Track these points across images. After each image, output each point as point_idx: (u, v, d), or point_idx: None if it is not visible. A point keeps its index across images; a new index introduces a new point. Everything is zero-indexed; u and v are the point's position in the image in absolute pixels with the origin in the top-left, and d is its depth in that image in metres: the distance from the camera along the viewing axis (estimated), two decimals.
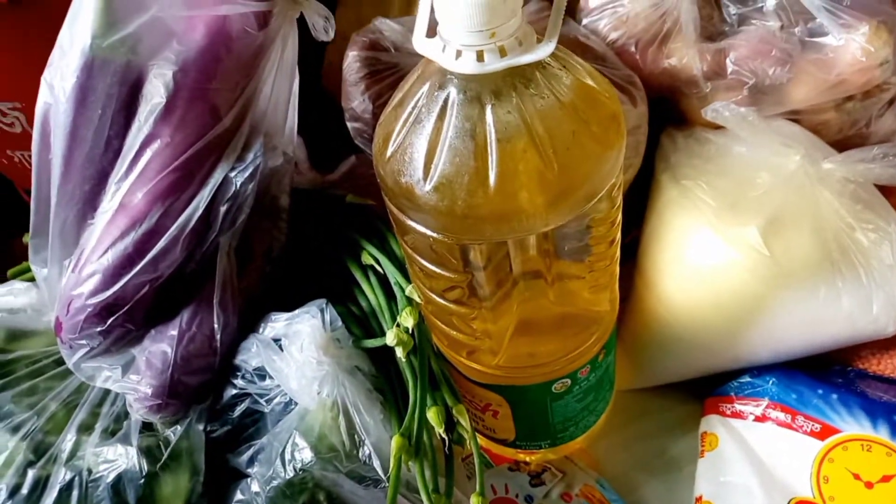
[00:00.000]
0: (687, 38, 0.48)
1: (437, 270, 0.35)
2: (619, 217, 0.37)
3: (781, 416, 0.44)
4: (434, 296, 0.37)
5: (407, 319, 0.38)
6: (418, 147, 0.31)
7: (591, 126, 0.31)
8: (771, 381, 0.46)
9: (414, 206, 0.32)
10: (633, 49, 0.51)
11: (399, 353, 0.37)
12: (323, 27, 0.43)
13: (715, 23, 0.50)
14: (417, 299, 0.39)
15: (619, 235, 0.39)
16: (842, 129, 0.49)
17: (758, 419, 0.45)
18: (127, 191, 0.38)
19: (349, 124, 0.49)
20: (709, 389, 0.49)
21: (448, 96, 0.30)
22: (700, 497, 0.44)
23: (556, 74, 0.30)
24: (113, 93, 0.37)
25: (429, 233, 0.32)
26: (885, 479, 0.40)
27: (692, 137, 0.49)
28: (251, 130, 0.41)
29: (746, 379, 0.47)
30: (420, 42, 0.30)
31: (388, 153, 0.32)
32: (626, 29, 0.51)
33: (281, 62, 0.42)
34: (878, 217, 0.42)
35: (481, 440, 0.48)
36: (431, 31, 0.30)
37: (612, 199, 0.34)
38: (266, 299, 0.45)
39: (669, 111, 0.52)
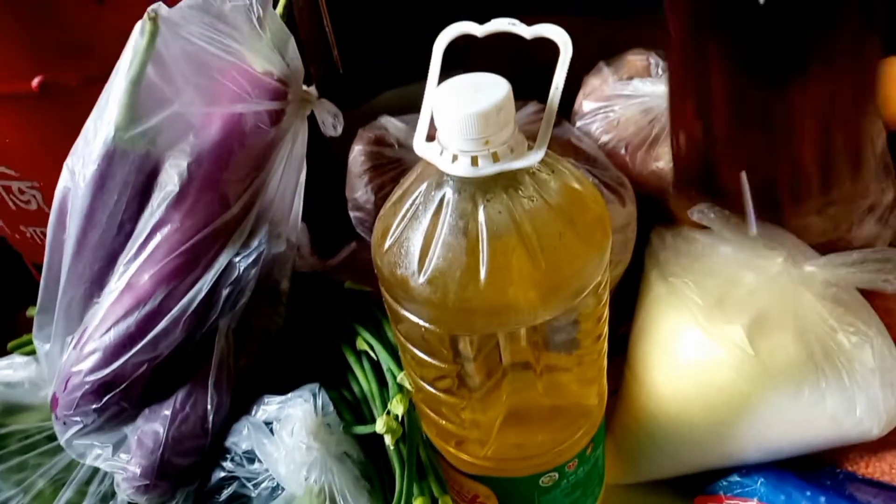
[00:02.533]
0: None
1: (428, 360, 0.36)
2: (606, 312, 0.39)
3: None
4: (425, 384, 0.38)
5: (397, 407, 0.38)
6: (414, 241, 0.33)
7: (577, 227, 0.33)
8: (760, 482, 0.46)
9: (408, 296, 0.33)
10: (623, 151, 0.54)
11: (387, 440, 0.38)
12: (332, 124, 0.46)
13: None
14: (409, 387, 0.40)
15: (605, 330, 0.40)
16: (824, 232, 0.51)
17: None
18: (135, 272, 0.40)
19: (352, 213, 0.51)
20: (699, 487, 0.49)
21: (444, 195, 0.32)
22: None
23: (544, 179, 0.33)
24: (130, 180, 0.39)
25: (421, 323, 0.34)
26: None
27: (680, 236, 0.51)
28: (258, 218, 0.43)
29: (735, 478, 0.47)
30: (420, 145, 0.33)
31: (386, 246, 0.34)
32: (617, 132, 0.54)
33: (290, 156, 0.44)
34: (860, 320, 0.43)
35: None
36: (431, 136, 0.33)
37: (598, 295, 0.36)
38: (261, 380, 0.46)
39: (658, 210, 0.55)
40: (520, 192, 0.32)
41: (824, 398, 0.42)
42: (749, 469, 0.47)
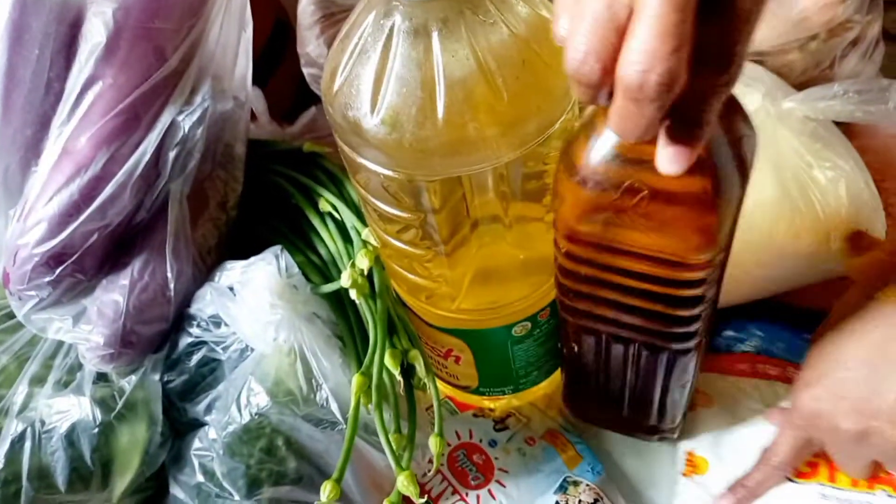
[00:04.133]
0: None
1: (391, 211, 0.34)
2: None
3: (772, 369, 0.44)
4: (390, 238, 0.36)
5: (361, 261, 0.37)
6: (365, 79, 0.30)
7: (542, 55, 0.30)
8: (755, 334, 0.45)
9: (363, 141, 0.31)
10: None
11: (353, 294, 0.37)
12: None
13: None
14: (374, 242, 0.38)
15: None
16: (805, 69, 0.49)
17: (748, 374, 0.44)
18: (70, 135, 0.37)
19: (305, 70, 0.47)
20: None
21: (394, 24, 0.29)
22: (692, 451, 0.44)
23: (507, 2, 0.30)
24: (50, 32, 0.35)
25: (379, 170, 0.32)
26: None
27: None
28: (199, 73, 0.39)
29: (730, 333, 0.47)
30: None
31: (336, 87, 0.31)
32: None
33: (229, 7, 0.40)
34: (837, 156, 0.42)
35: (446, 388, 0.48)
36: None
37: (564, 130, 0.34)
38: (223, 249, 0.44)
39: None
40: (479, 16, 0.29)
41: (799, 235, 0.41)
42: (740, 323, 0.47)
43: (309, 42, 0.46)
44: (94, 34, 0.36)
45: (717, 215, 0.28)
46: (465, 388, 0.47)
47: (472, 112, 0.29)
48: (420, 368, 0.37)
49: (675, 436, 0.45)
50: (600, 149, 0.28)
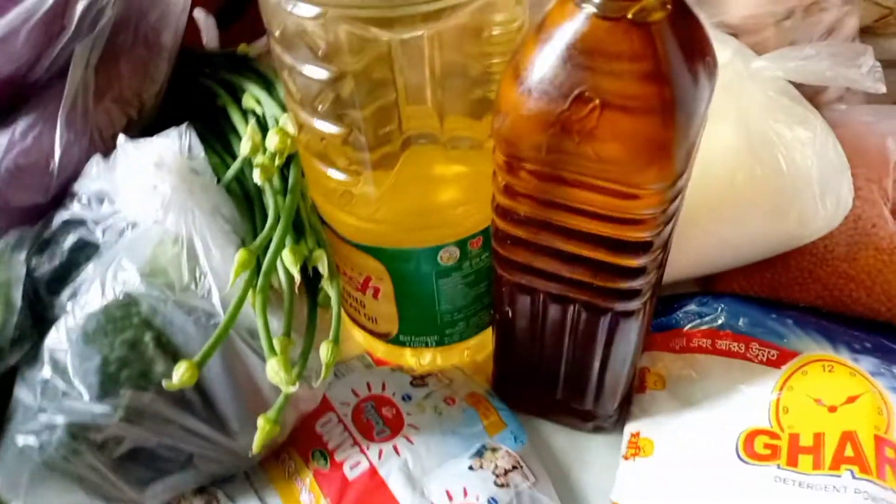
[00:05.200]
0: None
1: (308, 69, 0.30)
2: None
3: (734, 345, 0.39)
4: (306, 115, 0.32)
5: (271, 140, 0.33)
6: None
7: None
8: (720, 308, 0.41)
9: None
10: None
11: (256, 176, 0.32)
12: None
13: None
14: (291, 130, 0.34)
15: None
16: (779, 47, 0.47)
17: (708, 351, 0.40)
18: None
19: None
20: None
21: None
22: (637, 433, 0.39)
23: None
24: None
25: (296, 9, 0.28)
26: (850, 399, 0.36)
27: None
28: None
29: (693, 307, 0.43)
30: None
31: None
32: None
33: None
34: (805, 113, 0.39)
35: (364, 338, 0.43)
36: None
37: (511, 17, 0.30)
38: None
39: None
40: None
41: (759, 188, 0.38)
42: (705, 297, 0.43)
43: None
44: None
45: (673, 130, 0.25)
46: (384, 336, 0.42)
47: None
48: (324, 269, 0.32)
49: (611, 425, 0.40)
50: (550, 52, 0.24)
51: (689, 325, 0.41)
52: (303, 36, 0.29)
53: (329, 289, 0.32)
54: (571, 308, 0.32)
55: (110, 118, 0.38)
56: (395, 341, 0.41)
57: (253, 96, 0.38)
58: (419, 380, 0.41)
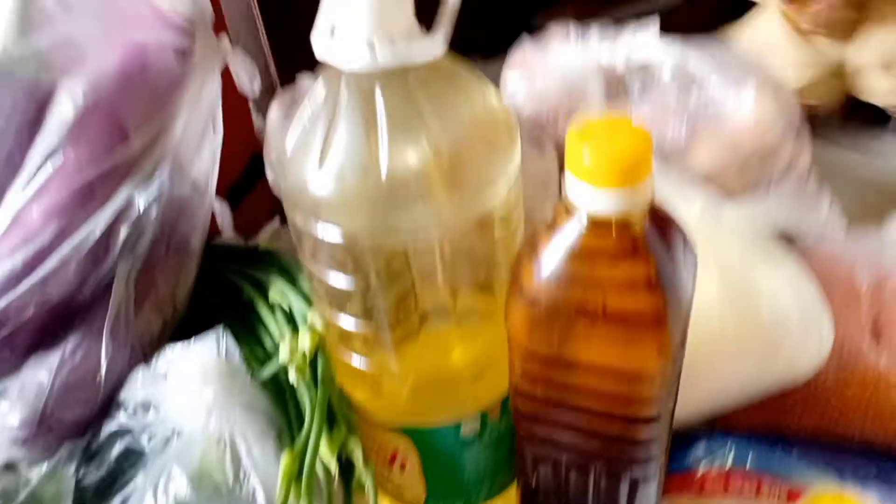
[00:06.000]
0: (594, 105, 0.52)
1: (336, 283, 0.34)
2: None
3: (746, 486, 0.41)
4: (335, 314, 0.35)
5: (304, 339, 0.36)
6: (314, 143, 0.31)
7: (482, 127, 0.32)
8: (729, 446, 0.43)
9: (310, 203, 0.31)
10: (545, 118, 0.54)
11: (291, 375, 0.35)
12: (247, 81, 0.45)
13: (619, 96, 0.54)
14: (319, 327, 0.37)
15: None
16: (742, 193, 0.52)
17: (722, 494, 0.42)
18: (23, 206, 0.37)
19: (269, 174, 0.49)
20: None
21: (342, 93, 0.31)
22: None
23: (449, 75, 0.32)
24: (19, 106, 0.37)
25: (326, 234, 0.32)
26: None
27: None
28: (160, 159, 0.41)
29: (702, 448, 0.44)
30: (318, 43, 0.32)
31: (287, 156, 0.32)
32: (541, 103, 0.55)
33: (198, 103, 0.43)
34: (780, 261, 0.43)
35: (389, 501, 0.44)
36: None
37: (508, 212, 0.35)
38: (167, 341, 0.42)
39: None
40: (422, 85, 0.31)
41: (746, 340, 0.41)
42: (711, 439, 0.45)
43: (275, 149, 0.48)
44: (62, 110, 0.37)
45: (668, 330, 0.28)
46: None
47: (414, 169, 0.30)
48: (358, 460, 0.35)
49: None
50: (548, 269, 0.28)
51: (701, 467, 0.43)
52: (331, 254, 0.33)
53: (365, 477, 0.35)
54: (592, 474, 0.34)
55: (148, 324, 0.41)
56: None
57: (279, 291, 0.42)
58: None
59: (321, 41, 0.32)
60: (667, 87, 0.50)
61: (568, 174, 0.27)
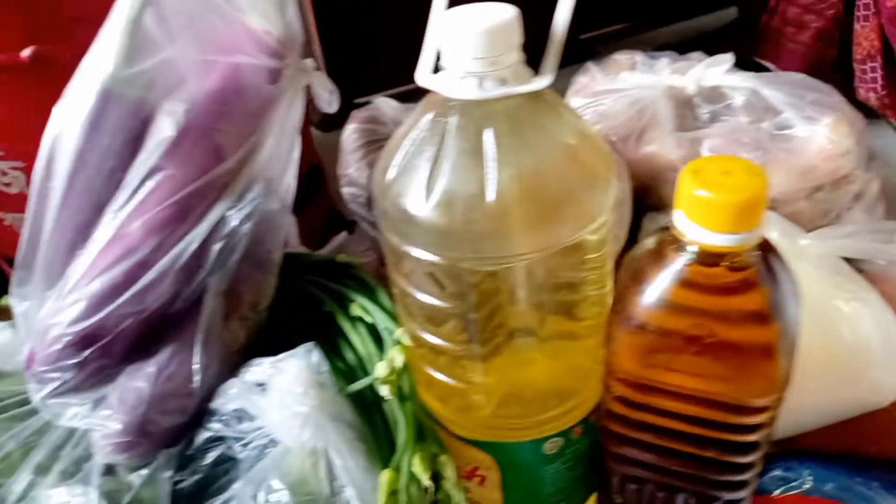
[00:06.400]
0: (663, 129, 0.52)
1: (432, 301, 0.35)
2: (610, 276, 0.38)
3: None
4: (426, 335, 0.36)
5: (397, 357, 0.37)
6: (420, 169, 0.32)
7: (583, 156, 0.32)
8: (806, 473, 0.43)
9: (414, 227, 0.32)
10: (613, 139, 0.54)
11: (385, 391, 0.36)
12: (328, 100, 0.46)
13: (688, 121, 0.54)
14: (407, 342, 0.38)
15: (609, 296, 0.39)
16: (813, 219, 0.52)
17: None
18: (124, 221, 0.38)
19: (344, 190, 0.50)
20: None
21: (449, 122, 0.32)
22: None
23: (552, 108, 0.33)
24: (124, 124, 0.38)
25: (427, 256, 0.33)
26: None
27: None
28: (252, 177, 0.42)
29: (779, 473, 0.44)
30: (424, 76, 0.33)
31: (390, 178, 0.33)
32: (607, 123, 0.55)
33: (286, 122, 0.44)
34: (858, 287, 0.43)
35: None
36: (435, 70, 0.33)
37: (601, 240, 0.35)
38: (250, 352, 0.44)
39: (649, 199, 0.55)
40: (528, 117, 0.32)
41: (830, 364, 0.41)
42: (792, 462, 0.45)
43: (350, 165, 0.49)
44: (163, 129, 0.38)
45: (778, 361, 0.28)
46: None
47: (519, 199, 0.31)
48: (451, 474, 0.36)
49: None
50: (654, 297, 0.29)
51: (778, 491, 0.43)
52: (431, 274, 0.34)
53: (455, 493, 0.35)
54: (680, 498, 0.34)
55: (235, 335, 0.42)
56: None
57: (361, 306, 0.43)
58: None
59: (427, 69, 0.33)
60: (739, 112, 0.50)
61: (679, 213, 0.27)
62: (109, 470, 0.37)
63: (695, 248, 0.27)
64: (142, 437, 0.37)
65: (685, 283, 0.28)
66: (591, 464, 0.43)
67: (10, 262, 0.62)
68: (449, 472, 0.36)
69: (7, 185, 0.54)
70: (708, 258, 0.27)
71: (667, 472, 0.33)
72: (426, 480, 0.35)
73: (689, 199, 0.26)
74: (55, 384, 0.38)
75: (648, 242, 0.31)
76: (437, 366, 0.38)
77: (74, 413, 0.38)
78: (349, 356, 0.43)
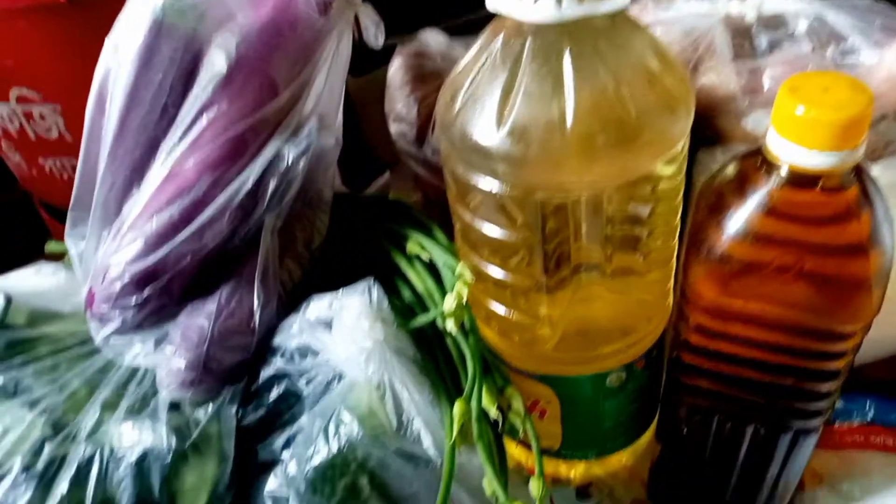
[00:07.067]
0: (721, 59, 0.50)
1: (499, 234, 0.34)
2: (680, 204, 0.37)
3: (889, 440, 0.41)
4: (491, 269, 0.36)
5: (462, 290, 0.36)
6: (491, 95, 0.31)
7: (663, 79, 0.31)
8: (868, 404, 0.43)
9: (485, 157, 0.31)
10: None
11: (450, 325, 0.36)
12: (374, 33, 0.45)
13: (746, 50, 0.52)
14: (468, 278, 0.38)
15: (678, 226, 0.38)
16: (875, 149, 0.50)
17: (862, 446, 0.42)
18: (178, 159, 0.38)
19: (393, 126, 0.49)
20: None
21: (524, 44, 0.30)
22: None
23: (631, 30, 0.31)
24: (176, 58, 0.37)
25: (499, 187, 0.32)
26: None
27: (730, 153, 0.49)
28: (305, 113, 0.41)
29: (840, 404, 0.44)
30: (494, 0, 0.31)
31: (457, 108, 0.32)
32: None
33: (336, 55, 0.43)
34: None
35: (522, 452, 0.45)
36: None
37: (676, 170, 0.34)
38: (304, 292, 0.43)
39: (705, 132, 0.53)
40: (606, 38, 0.30)
41: None
42: (851, 393, 0.45)
43: (398, 101, 0.48)
44: (216, 64, 0.37)
45: (873, 291, 0.27)
46: (544, 451, 0.44)
47: (599, 125, 0.30)
48: (518, 406, 0.35)
49: None
50: (740, 226, 0.27)
51: (839, 422, 0.43)
52: (496, 206, 0.33)
53: (525, 426, 0.35)
54: (751, 428, 0.34)
55: (290, 274, 0.42)
56: (556, 455, 0.44)
57: (417, 243, 0.42)
58: (583, 491, 0.43)
59: None
60: (801, 40, 0.48)
61: (773, 131, 0.26)
62: (174, 406, 0.37)
63: (786, 172, 0.26)
64: (205, 373, 0.37)
65: (774, 210, 0.27)
66: (651, 397, 0.43)
67: (49, 208, 0.62)
68: (516, 404, 0.36)
69: (47, 130, 0.53)
70: (802, 181, 0.26)
71: (740, 402, 0.33)
72: (494, 412, 0.34)
73: (786, 116, 0.25)
74: (116, 323, 0.38)
75: (730, 169, 0.30)
76: (501, 300, 0.37)
77: (137, 351, 0.38)
78: (405, 293, 0.42)
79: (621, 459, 0.45)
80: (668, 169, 0.33)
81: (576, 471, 0.45)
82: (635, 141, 0.30)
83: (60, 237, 0.47)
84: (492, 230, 0.34)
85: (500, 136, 0.30)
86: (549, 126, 0.30)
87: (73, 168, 0.54)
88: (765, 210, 0.27)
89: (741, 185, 0.28)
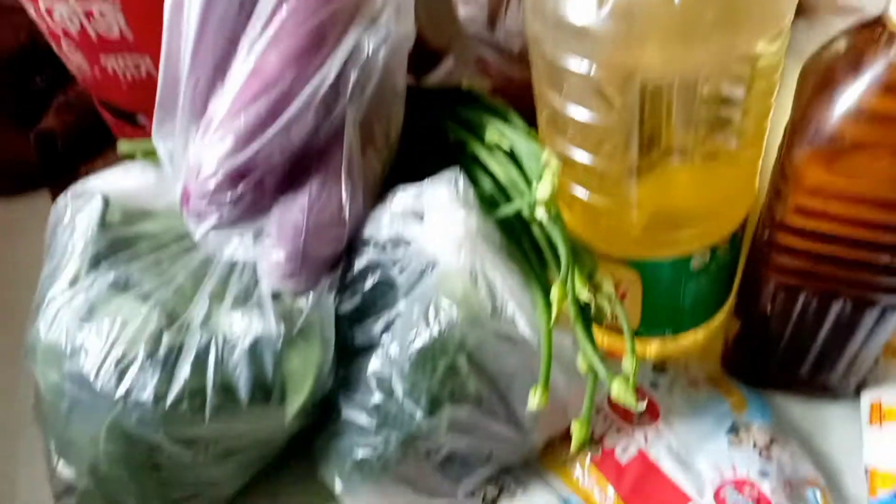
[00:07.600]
0: None
1: (590, 118, 0.34)
2: (777, 78, 0.36)
3: None
4: (579, 153, 0.36)
5: (552, 177, 0.36)
6: None
7: None
8: None
9: (583, 38, 0.31)
10: None
11: (541, 213, 0.36)
12: None
13: None
14: (555, 163, 0.38)
15: (772, 106, 0.37)
16: None
17: None
18: (260, 53, 0.37)
19: (461, 9, 0.48)
20: None
21: None
22: (878, 402, 0.41)
23: None
24: None
25: (593, 71, 0.31)
26: None
27: (818, 25, 0.47)
28: (384, 1, 0.40)
29: None
30: None
31: None
32: None
33: None
34: None
35: (601, 334, 0.47)
36: None
37: (777, 50, 0.33)
38: (386, 184, 0.44)
39: None
40: None
41: None
42: None
43: None
44: None
45: None
46: (618, 330, 0.46)
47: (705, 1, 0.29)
48: (608, 289, 0.37)
49: (847, 393, 0.43)
50: (851, 104, 0.26)
51: None
52: (589, 90, 0.32)
53: (613, 306, 0.37)
54: (838, 304, 0.35)
55: (371, 166, 0.42)
56: (635, 333, 0.46)
57: (498, 131, 0.42)
58: (659, 367, 0.45)
59: None
60: None
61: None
62: (275, 296, 0.39)
63: None
64: (304, 264, 0.38)
65: (891, 87, 0.26)
66: (730, 276, 0.44)
67: (111, 109, 0.63)
68: (607, 287, 0.37)
69: (107, 27, 0.53)
70: None
71: (831, 279, 0.34)
72: (587, 295, 0.36)
73: None
74: (214, 219, 0.39)
75: (840, 43, 0.29)
76: (588, 186, 0.38)
77: (236, 245, 0.39)
78: (485, 183, 0.43)
79: (696, 336, 0.46)
80: (772, 46, 0.32)
81: (651, 348, 0.47)
82: (744, 15, 0.29)
83: (123, 136, 0.47)
84: (585, 115, 0.34)
85: (602, 15, 0.29)
86: (655, 2, 0.29)
87: (136, 67, 0.54)
88: (883, 86, 0.26)
89: (855, 60, 0.27)
